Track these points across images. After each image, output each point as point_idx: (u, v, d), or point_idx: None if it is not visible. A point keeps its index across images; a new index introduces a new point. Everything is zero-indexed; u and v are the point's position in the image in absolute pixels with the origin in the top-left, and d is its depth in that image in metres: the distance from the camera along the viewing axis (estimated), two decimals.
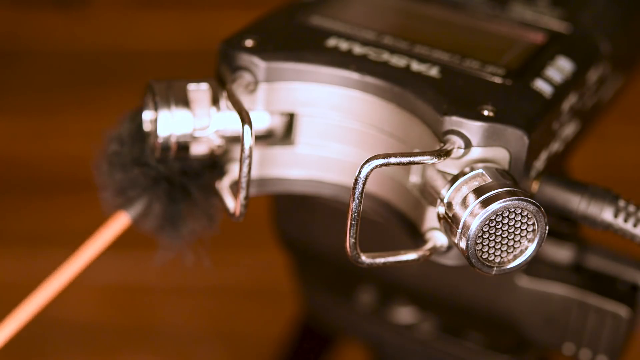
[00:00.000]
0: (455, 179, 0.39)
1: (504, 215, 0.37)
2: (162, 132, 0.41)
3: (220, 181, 0.43)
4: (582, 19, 0.48)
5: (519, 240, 0.38)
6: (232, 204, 0.41)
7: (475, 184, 0.38)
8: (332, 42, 0.43)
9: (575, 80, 0.44)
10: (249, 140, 0.39)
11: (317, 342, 0.72)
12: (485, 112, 0.39)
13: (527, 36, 0.46)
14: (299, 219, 0.53)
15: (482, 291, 0.48)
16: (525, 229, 0.38)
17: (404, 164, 0.38)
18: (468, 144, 0.39)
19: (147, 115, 0.43)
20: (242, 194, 0.40)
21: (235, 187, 0.42)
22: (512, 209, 0.37)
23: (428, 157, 0.38)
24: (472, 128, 0.39)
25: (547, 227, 0.38)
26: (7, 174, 1.01)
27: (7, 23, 1.24)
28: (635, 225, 0.40)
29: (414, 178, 0.41)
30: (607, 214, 0.40)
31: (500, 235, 0.38)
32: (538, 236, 0.38)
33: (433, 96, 0.40)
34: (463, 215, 0.38)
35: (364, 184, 0.37)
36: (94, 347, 0.83)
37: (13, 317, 0.40)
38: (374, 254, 0.39)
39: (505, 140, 0.39)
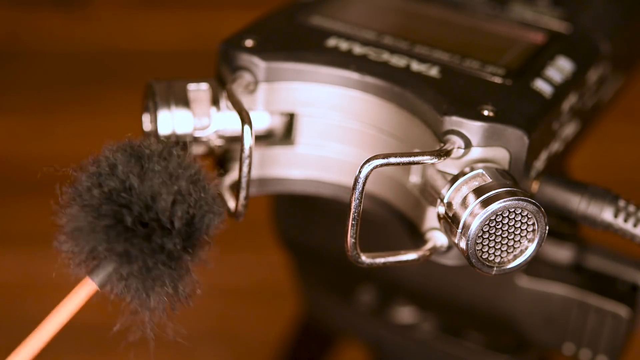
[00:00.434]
0: (455, 179, 0.39)
1: (504, 215, 0.37)
2: (162, 132, 0.41)
3: (220, 181, 0.43)
4: (582, 19, 0.48)
5: (519, 240, 0.38)
6: (232, 204, 0.41)
7: (475, 184, 0.38)
8: (332, 42, 0.43)
9: (575, 80, 0.44)
10: (249, 140, 0.39)
11: (317, 342, 0.72)
12: (485, 112, 0.39)
13: (527, 36, 0.46)
14: (299, 219, 0.53)
15: (482, 291, 0.48)
16: (525, 229, 0.38)
17: (404, 164, 0.38)
18: (468, 144, 0.39)
19: (147, 115, 0.43)
20: (242, 194, 0.40)
21: (235, 187, 0.42)
22: (512, 209, 0.37)
23: (428, 157, 0.38)
24: (472, 128, 0.39)
25: (547, 227, 0.38)
26: (7, 174, 1.00)
27: (7, 23, 1.23)
28: (635, 225, 0.40)
29: (414, 178, 0.41)
30: (607, 214, 0.40)
31: (500, 235, 0.38)
32: (538, 236, 0.38)
33: (433, 96, 0.40)
34: (463, 215, 0.38)
35: (364, 184, 0.37)
36: (94, 347, 0.83)
37: None
38: (374, 254, 0.39)
39: (505, 140, 0.39)
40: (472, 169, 0.39)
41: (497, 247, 0.38)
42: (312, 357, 0.73)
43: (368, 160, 0.37)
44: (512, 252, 0.38)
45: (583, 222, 0.41)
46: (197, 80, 0.42)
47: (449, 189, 0.39)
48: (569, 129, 0.44)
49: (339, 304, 0.56)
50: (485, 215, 0.37)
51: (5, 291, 0.88)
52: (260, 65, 0.42)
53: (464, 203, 0.38)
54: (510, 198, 0.37)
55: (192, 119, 0.42)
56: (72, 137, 1.06)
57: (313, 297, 0.58)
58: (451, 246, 0.40)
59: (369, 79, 0.42)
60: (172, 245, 0.35)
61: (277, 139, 0.44)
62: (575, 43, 0.46)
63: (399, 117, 0.41)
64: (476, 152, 0.39)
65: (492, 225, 0.38)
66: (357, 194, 0.37)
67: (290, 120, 0.43)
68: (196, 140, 0.42)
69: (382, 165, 0.37)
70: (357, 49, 0.43)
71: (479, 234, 0.37)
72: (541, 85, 0.42)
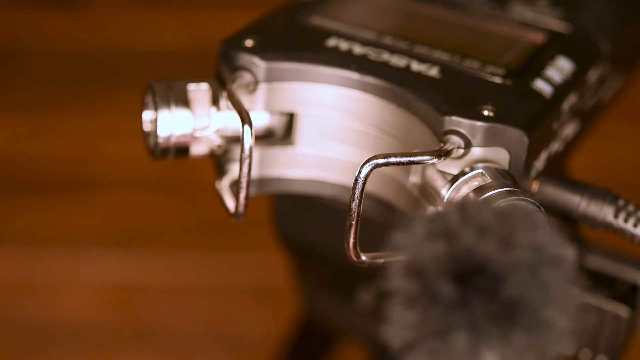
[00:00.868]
0: (455, 179, 0.39)
1: None
2: (162, 132, 0.41)
3: (220, 181, 0.43)
4: (582, 19, 0.48)
5: None
6: (232, 204, 0.41)
7: (475, 183, 0.38)
8: (332, 42, 0.43)
9: (575, 80, 0.44)
10: (249, 140, 0.39)
11: (317, 342, 0.72)
12: (485, 112, 0.39)
13: (527, 36, 0.46)
14: (299, 219, 0.53)
15: None
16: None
17: (404, 164, 0.38)
18: (468, 144, 0.39)
19: (147, 115, 0.43)
20: (242, 194, 0.40)
21: (235, 187, 0.42)
22: None
23: (428, 157, 0.38)
24: (472, 128, 0.39)
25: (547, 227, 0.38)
26: (7, 174, 1.01)
27: (7, 23, 1.24)
28: (635, 225, 0.40)
29: (414, 178, 0.41)
30: (607, 214, 0.40)
31: None
32: None
33: (433, 96, 0.40)
34: None
35: (364, 184, 0.37)
36: (94, 347, 0.83)
37: None
38: (374, 254, 0.39)
39: (505, 140, 0.39)
40: (472, 169, 0.39)
41: None
42: (312, 357, 0.73)
43: (368, 160, 0.37)
44: None
45: (583, 222, 0.41)
46: (197, 80, 0.42)
47: (449, 189, 0.39)
48: (569, 129, 0.44)
49: (339, 304, 0.56)
50: None
51: (5, 291, 0.88)
52: (260, 65, 0.42)
53: None
54: (510, 198, 0.37)
55: (192, 119, 0.42)
56: (72, 137, 1.06)
57: (313, 297, 0.58)
58: None
59: (369, 79, 0.42)
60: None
61: (277, 139, 0.44)
62: (575, 43, 0.46)
63: (399, 117, 0.41)
64: (476, 152, 0.39)
65: None
66: (357, 194, 0.37)
67: (290, 120, 0.43)
68: (196, 140, 0.42)
69: (382, 165, 0.37)
70: (357, 49, 0.43)
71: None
72: (541, 85, 0.42)
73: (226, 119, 0.42)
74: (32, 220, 0.95)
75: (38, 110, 1.10)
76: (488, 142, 0.39)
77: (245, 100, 0.42)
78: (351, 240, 0.38)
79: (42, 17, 1.24)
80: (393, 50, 0.43)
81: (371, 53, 0.43)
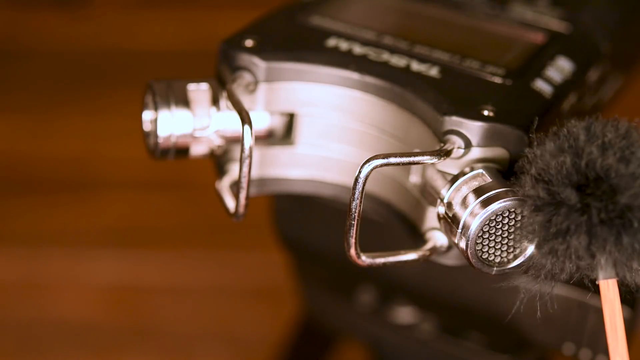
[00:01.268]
0: (455, 179, 0.39)
1: (504, 215, 0.37)
2: (162, 132, 0.41)
3: (220, 181, 0.43)
4: (582, 19, 0.48)
5: (519, 240, 0.38)
6: (232, 204, 0.41)
7: (475, 184, 0.38)
8: (332, 42, 0.43)
9: (575, 80, 0.44)
10: (249, 140, 0.39)
11: (317, 342, 0.72)
12: (485, 112, 0.39)
13: (527, 36, 0.46)
14: (299, 219, 0.53)
15: (482, 291, 0.48)
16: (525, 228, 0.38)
17: (404, 164, 0.38)
18: (468, 144, 0.39)
19: (147, 115, 0.43)
20: (242, 194, 0.40)
21: (235, 187, 0.42)
22: (512, 209, 0.37)
23: (428, 157, 0.38)
24: (472, 128, 0.39)
25: None
26: (7, 174, 1.01)
27: (7, 23, 1.23)
28: None
29: (414, 178, 0.41)
30: None
31: (500, 235, 0.38)
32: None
33: (433, 96, 0.40)
34: (463, 215, 0.38)
35: (364, 184, 0.37)
36: (94, 347, 0.83)
37: None
38: (374, 254, 0.39)
39: (505, 140, 0.39)
40: (472, 169, 0.39)
41: (497, 247, 0.38)
42: (312, 357, 0.73)
43: (368, 160, 0.37)
44: (512, 252, 0.38)
45: None
46: (197, 80, 0.42)
47: (449, 189, 0.39)
48: None
49: (339, 304, 0.56)
50: (485, 215, 0.37)
51: (5, 291, 0.88)
52: (260, 65, 0.42)
53: (464, 203, 0.38)
54: (510, 198, 0.37)
55: (192, 119, 0.42)
56: (71, 137, 1.06)
57: (313, 297, 0.58)
58: (451, 246, 0.40)
59: (369, 79, 0.42)
60: None
61: (277, 139, 0.44)
62: (575, 43, 0.46)
63: (399, 117, 0.41)
64: (476, 152, 0.39)
65: (492, 225, 0.38)
66: (357, 193, 0.37)
67: (290, 120, 0.43)
68: (196, 140, 0.42)
69: (382, 165, 0.37)
70: (357, 49, 0.43)
71: (479, 234, 0.37)
72: (541, 85, 0.42)
73: (226, 119, 0.42)
74: (32, 220, 0.95)
75: (38, 110, 1.10)
76: (488, 142, 0.39)
77: (245, 100, 0.42)
78: (351, 240, 0.38)
79: (42, 17, 1.24)
80: (393, 50, 0.43)
81: (371, 53, 0.43)
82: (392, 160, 0.37)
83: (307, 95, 0.42)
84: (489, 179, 0.38)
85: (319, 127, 0.43)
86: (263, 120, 0.43)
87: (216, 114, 0.42)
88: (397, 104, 0.41)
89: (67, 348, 0.83)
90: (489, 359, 0.52)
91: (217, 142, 0.42)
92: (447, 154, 0.38)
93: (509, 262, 0.38)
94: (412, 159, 0.38)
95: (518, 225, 0.38)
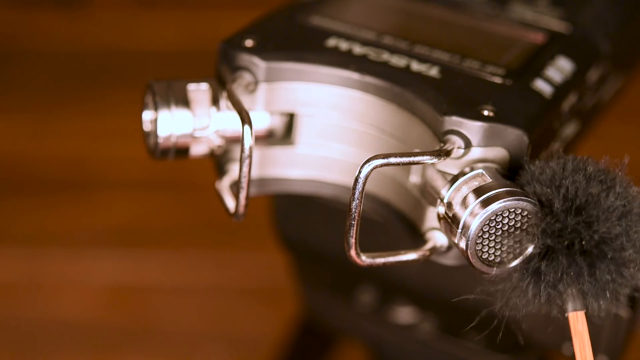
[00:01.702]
0: (455, 179, 0.39)
1: (504, 215, 0.37)
2: (162, 132, 0.41)
3: (220, 181, 0.43)
4: (582, 19, 0.48)
5: (519, 241, 0.38)
6: (232, 204, 0.41)
7: (475, 184, 0.38)
8: (332, 42, 0.43)
9: (575, 80, 0.44)
10: (249, 140, 0.39)
11: (317, 342, 0.72)
12: (485, 112, 0.39)
13: (527, 36, 0.46)
14: (299, 219, 0.53)
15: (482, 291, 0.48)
16: (525, 229, 0.38)
17: (404, 164, 0.38)
18: (468, 144, 0.39)
19: (147, 115, 0.43)
20: (242, 194, 0.40)
21: (235, 187, 0.42)
22: (512, 209, 0.37)
23: (428, 157, 0.38)
24: (472, 128, 0.39)
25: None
26: (7, 174, 1.01)
27: (7, 23, 1.23)
28: None
29: (414, 178, 0.41)
30: None
31: (500, 235, 0.38)
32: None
33: (433, 96, 0.40)
34: (463, 215, 0.38)
35: (364, 184, 0.37)
36: (94, 347, 0.83)
37: None
38: (374, 254, 0.39)
39: (505, 140, 0.39)
40: (472, 169, 0.39)
41: (497, 247, 0.38)
42: (312, 357, 0.73)
43: (368, 160, 0.37)
44: (512, 252, 0.38)
45: None
46: (197, 80, 0.42)
47: (449, 189, 0.39)
48: (569, 129, 0.44)
49: (339, 304, 0.56)
50: (485, 215, 0.37)
51: (5, 291, 0.88)
52: (260, 65, 0.42)
53: (464, 203, 0.38)
54: (510, 198, 0.37)
55: (192, 119, 0.42)
56: (72, 137, 1.06)
57: (313, 297, 0.58)
58: (451, 246, 0.40)
59: (369, 79, 0.42)
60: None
61: (277, 139, 0.44)
62: (575, 43, 0.46)
63: (399, 117, 0.41)
64: (476, 152, 0.39)
65: (492, 225, 0.38)
66: (357, 194, 0.37)
67: (290, 120, 0.43)
68: (196, 140, 0.42)
69: (382, 165, 0.37)
70: (357, 49, 0.43)
71: (479, 234, 0.37)
72: (541, 85, 0.42)
73: (226, 119, 0.42)
74: (32, 220, 0.95)
75: (38, 110, 1.10)
76: (488, 142, 0.39)
77: (245, 100, 0.42)
78: (351, 240, 0.38)
79: (42, 17, 1.24)
80: (393, 50, 0.43)
81: (371, 53, 0.43)
82: (392, 160, 0.37)
83: (307, 95, 0.42)
84: (489, 179, 0.38)
85: (319, 127, 0.43)
86: (263, 120, 0.43)
87: (216, 114, 0.42)
88: (397, 104, 0.41)
89: (67, 348, 0.83)
90: (489, 359, 0.52)
91: (217, 142, 0.42)
92: (447, 154, 0.38)
93: (508, 262, 0.38)
94: (412, 159, 0.38)
95: (518, 225, 0.38)
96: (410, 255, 0.39)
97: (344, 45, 0.43)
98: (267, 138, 0.43)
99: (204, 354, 0.83)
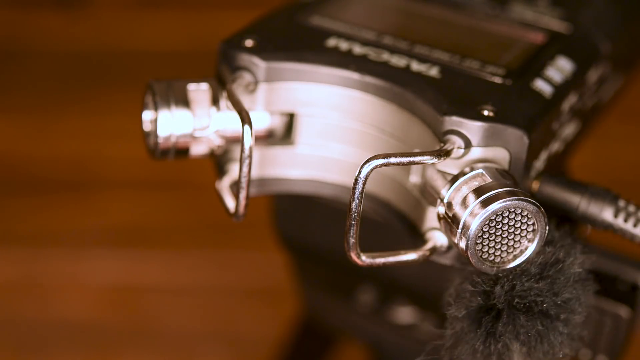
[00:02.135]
0: (455, 179, 0.39)
1: (504, 215, 0.37)
2: (162, 132, 0.41)
3: (220, 181, 0.43)
4: (582, 19, 0.48)
5: (519, 240, 0.38)
6: (232, 204, 0.41)
7: (475, 184, 0.38)
8: (332, 42, 0.43)
9: (575, 80, 0.44)
10: (249, 140, 0.39)
11: (317, 342, 0.72)
12: (485, 112, 0.39)
13: (527, 36, 0.46)
14: (299, 219, 0.53)
15: None
16: (525, 229, 0.38)
17: (404, 164, 0.38)
18: (468, 144, 0.39)
19: (147, 115, 0.43)
20: (242, 194, 0.40)
21: (235, 187, 0.42)
22: (512, 209, 0.37)
23: (428, 157, 0.38)
24: (472, 128, 0.39)
25: (547, 227, 0.38)
26: (7, 174, 1.00)
27: (7, 23, 1.23)
28: (635, 225, 0.40)
29: (414, 178, 0.41)
30: (607, 214, 0.40)
31: (500, 235, 0.38)
32: (538, 236, 0.38)
33: (433, 96, 0.40)
34: (463, 215, 0.38)
35: (364, 184, 0.37)
36: (94, 347, 0.83)
37: None
38: (374, 254, 0.39)
39: (505, 140, 0.39)
40: (472, 169, 0.39)
41: (497, 247, 0.38)
42: (312, 357, 0.73)
43: (368, 160, 0.37)
44: (512, 252, 0.38)
45: (583, 222, 0.41)
46: (197, 80, 0.42)
47: (449, 189, 0.39)
48: (569, 129, 0.44)
49: (339, 304, 0.56)
50: (485, 215, 0.37)
51: (5, 291, 0.88)
52: (260, 65, 0.42)
53: (464, 203, 0.38)
54: (510, 198, 0.37)
55: (192, 119, 0.42)
56: (71, 137, 1.06)
57: (313, 297, 0.58)
58: (451, 246, 0.40)
59: (369, 79, 0.42)
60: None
61: (277, 139, 0.44)
62: (575, 43, 0.46)
63: (399, 117, 0.41)
64: (476, 152, 0.39)
65: (492, 225, 0.38)
66: (357, 194, 0.37)
67: (290, 120, 0.43)
68: (196, 140, 0.42)
69: (382, 165, 0.37)
70: (357, 49, 0.43)
71: (479, 234, 0.37)
72: (541, 85, 0.42)
73: (226, 119, 0.42)
74: (32, 220, 0.95)
75: (38, 110, 1.10)
76: (488, 142, 0.39)
77: (245, 100, 0.42)
78: (351, 240, 0.38)
79: (42, 17, 1.24)
80: (393, 50, 0.43)
81: (371, 53, 0.43)
82: (392, 160, 0.37)
83: (307, 95, 0.42)
84: (489, 179, 0.38)
85: (319, 127, 0.43)
86: (263, 120, 0.43)
87: (216, 114, 0.42)
88: (397, 104, 0.41)
89: (67, 348, 0.83)
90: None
91: (217, 142, 0.42)
92: (447, 154, 0.38)
93: (508, 262, 0.38)
94: (412, 159, 0.38)
95: (518, 225, 0.38)
96: (410, 255, 0.39)
97: (344, 45, 0.43)
98: (267, 138, 0.43)
99: (204, 354, 0.83)
